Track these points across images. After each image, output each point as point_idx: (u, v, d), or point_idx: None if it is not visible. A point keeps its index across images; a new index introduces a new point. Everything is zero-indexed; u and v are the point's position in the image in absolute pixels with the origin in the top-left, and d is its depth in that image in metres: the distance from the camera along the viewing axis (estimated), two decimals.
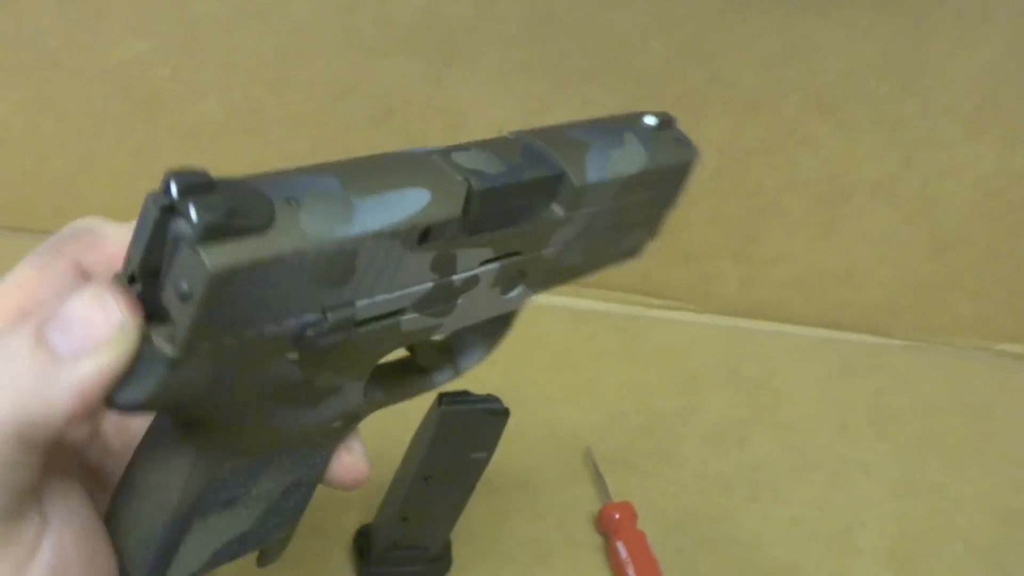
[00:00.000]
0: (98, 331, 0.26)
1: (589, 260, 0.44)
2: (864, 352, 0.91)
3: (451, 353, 0.44)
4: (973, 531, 0.74)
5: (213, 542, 0.37)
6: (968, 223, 0.86)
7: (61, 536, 0.29)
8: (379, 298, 0.33)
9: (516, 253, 0.38)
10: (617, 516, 0.67)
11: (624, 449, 0.75)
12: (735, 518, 0.71)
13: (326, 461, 0.39)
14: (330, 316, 0.31)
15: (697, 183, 0.83)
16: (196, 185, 0.26)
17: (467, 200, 0.34)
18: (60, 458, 0.30)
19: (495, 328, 0.44)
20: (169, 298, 0.27)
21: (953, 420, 0.85)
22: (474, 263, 0.37)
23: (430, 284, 0.35)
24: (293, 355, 0.32)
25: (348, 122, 0.81)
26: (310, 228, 0.28)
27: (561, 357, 0.83)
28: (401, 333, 0.36)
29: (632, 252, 0.47)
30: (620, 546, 0.65)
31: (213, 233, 0.26)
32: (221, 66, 0.79)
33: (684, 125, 0.81)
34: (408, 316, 0.35)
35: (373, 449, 0.70)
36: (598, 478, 0.71)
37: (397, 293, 0.34)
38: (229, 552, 0.38)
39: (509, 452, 0.72)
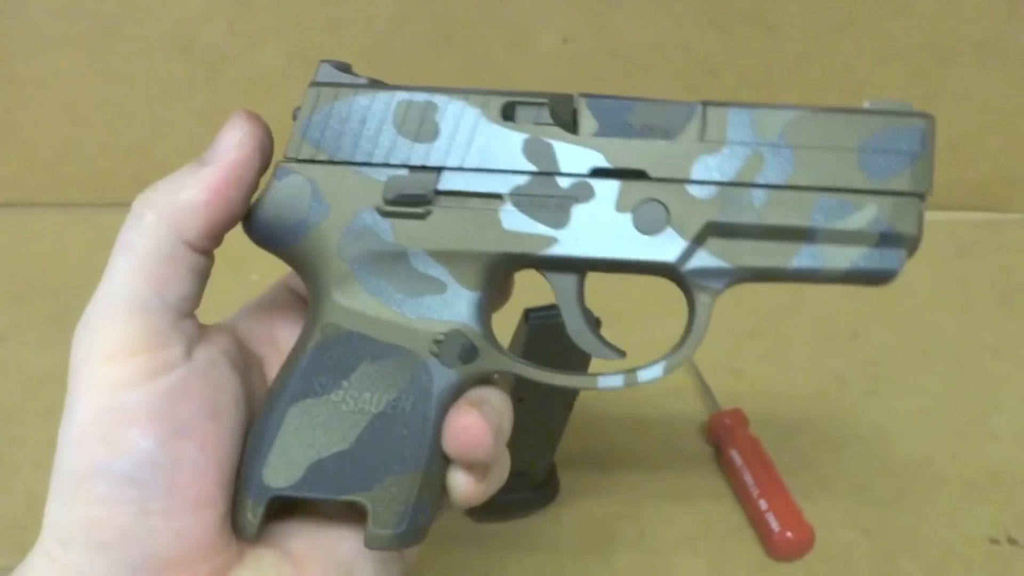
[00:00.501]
0: (223, 144, 0.37)
1: (792, 239, 0.37)
2: (981, 230, 0.85)
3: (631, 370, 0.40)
4: None
5: (309, 450, 0.36)
6: None
7: (195, 375, 0.35)
8: (469, 170, 0.37)
9: (641, 173, 0.37)
10: (728, 422, 0.64)
11: (730, 356, 0.72)
12: (855, 415, 0.68)
13: (432, 398, 0.37)
14: (412, 170, 0.37)
15: (782, 69, 0.79)
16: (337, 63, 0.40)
17: (559, 98, 0.37)
18: (227, 338, 0.38)
19: (683, 340, 0.39)
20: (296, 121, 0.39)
21: None
22: (582, 167, 0.37)
23: (528, 175, 0.37)
24: (381, 204, 0.37)
25: (409, 52, 0.79)
26: (399, 90, 0.38)
27: None
28: (503, 231, 0.37)
29: (877, 258, 0.38)
30: (734, 453, 0.62)
31: (327, 74, 0.39)
32: (276, 11, 0.78)
33: (759, 8, 0.77)
34: (508, 209, 0.37)
35: None
36: (704, 388, 0.68)
37: (489, 170, 0.37)
38: (326, 478, 0.36)
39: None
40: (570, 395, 0.55)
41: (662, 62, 0.79)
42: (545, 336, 0.49)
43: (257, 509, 0.36)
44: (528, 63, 0.78)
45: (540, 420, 0.56)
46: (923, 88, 0.80)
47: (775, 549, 0.57)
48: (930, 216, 0.84)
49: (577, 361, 0.51)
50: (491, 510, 0.59)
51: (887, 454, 0.64)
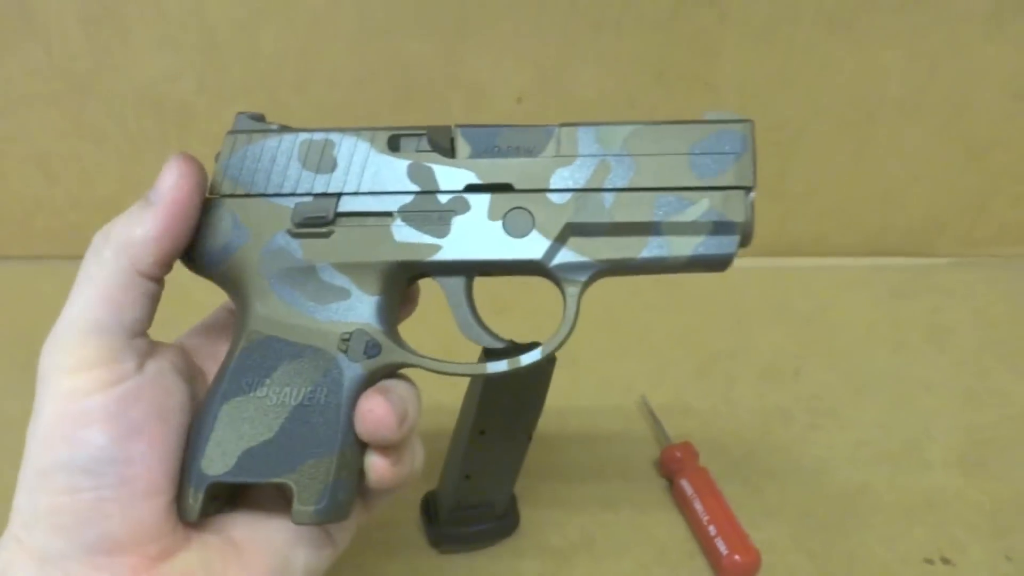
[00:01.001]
0: (164, 184, 0.42)
1: (640, 233, 0.43)
2: (911, 274, 0.90)
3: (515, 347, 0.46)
4: None
5: (240, 441, 0.41)
6: (1000, 127, 0.85)
7: (146, 384, 0.40)
8: (363, 194, 0.43)
9: (508, 186, 0.43)
10: (678, 455, 0.67)
11: (679, 393, 0.76)
12: (798, 447, 0.71)
13: (342, 389, 0.42)
14: (315, 197, 0.43)
15: None
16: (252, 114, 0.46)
17: (439, 130, 0.44)
18: (175, 352, 0.43)
19: (558, 328, 0.45)
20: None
21: (1010, 328, 0.83)
22: (458, 184, 0.43)
23: (413, 194, 0.43)
24: (291, 227, 0.43)
25: (371, 108, 0.83)
26: (301, 132, 0.44)
27: (609, 313, 0.83)
28: (395, 243, 0.43)
29: (712, 244, 0.43)
30: (685, 483, 0.65)
31: (243, 124, 0.46)
32: (244, 70, 0.81)
33: (698, 68, 0.82)
34: (398, 224, 0.43)
35: (431, 421, 0.72)
36: (655, 423, 0.72)
37: (379, 192, 0.43)
38: (255, 464, 0.41)
39: (565, 408, 0.73)
40: (528, 427, 0.58)
41: (610, 117, 0.83)
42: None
43: (197, 495, 0.41)
44: (485, 120, 0.82)
45: (500, 452, 0.58)
46: (852, 141, 0.85)
47: (724, 572, 0.60)
48: (865, 261, 0.90)
49: (536, 390, 0.54)
50: (454, 540, 0.62)
51: (828, 482, 0.68)
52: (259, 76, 0.81)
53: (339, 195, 0.43)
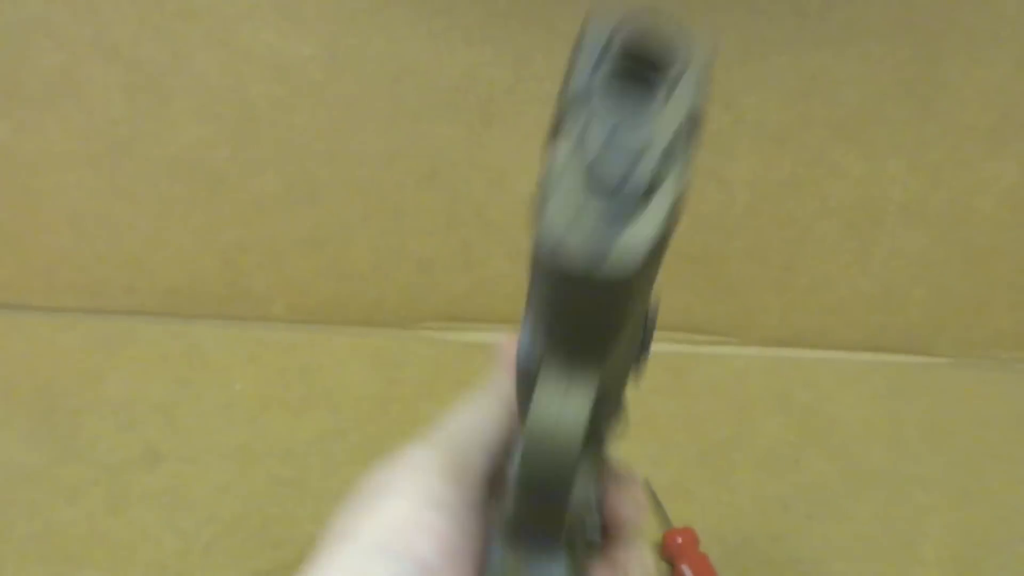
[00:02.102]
0: None
1: None
2: (910, 372, 0.92)
3: None
4: None
5: None
6: (998, 237, 0.88)
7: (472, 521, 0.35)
8: None
9: None
10: (680, 540, 0.69)
11: (681, 478, 0.77)
12: (796, 537, 0.73)
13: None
14: None
15: (732, 218, 0.88)
16: None
17: None
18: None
19: None
20: None
21: (1006, 431, 0.86)
22: None
23: None
24: None
25: (396, 185, 0.86)
26: None
27: None
28: None
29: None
30: (685, 569, 0.67)
31: None
32: (277, 144, 0.85)
33: (713, 166, 0.86)
34: None
35: None
36: (657, 506, 0.73)
37: None
38: None
39: None
40: None
41: None
42: None
43: None
44: (505, 202, 0.86)
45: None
46: (856, 242, 0.89)
47: None
48: (864, 357, 0.93)
49: None
50: None
51: (824, 574, 0.69)
52: (291, 149, 0.85)
53: None
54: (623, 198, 0.21)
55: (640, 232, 0.21)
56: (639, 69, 0.22)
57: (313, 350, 0.89)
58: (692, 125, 0.22)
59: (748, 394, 0.88)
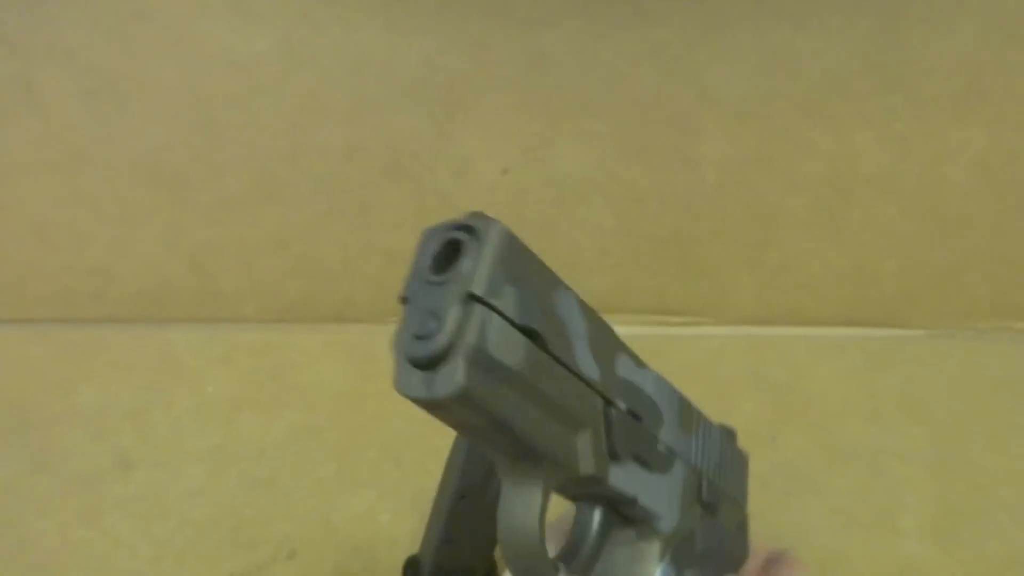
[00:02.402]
0: None
1: None
2: (886, 345, 0.92)
3: None
4: (1016, 502, 0.74)
5: None
6: (969, 206, 0.88)
7: None
8: None
9: None
10: None
11: None
12: (775, 513, 0.72)
13: None
14: None
15: (701, 198, 0.87)
16: None
17: None
18: None
19: None
20: None
21: (983, 400, 0.85)
22: None
23: None
24: None
25: (361, 179, 0.85)
26: None
27: None
28: None
29: None
30: None
31: None
32: (238, 142, 0.84)
33: (679, 145, 0.85)
34: None
35: (415, 485, 0.73)
36: None
37: None
38: None
39: None
40: None
41: (592, 191, 0.86)
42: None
43: None
44: (471, 191, 0.85)
45: (483, 515, 0.59)
46: (826, 216, 0.88)
47: None
48: (840, 331, 0.92)
49: None
50: None
51: (804, 549, 0.69)
52: (251, 148, 0.84)
53: None
54: (428, 365, 0.29)
55: (441, 382, 0.28)
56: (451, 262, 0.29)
57: (286, 349, 0.88)
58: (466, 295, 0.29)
59: (724, 373, 0.88)
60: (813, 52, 0.81)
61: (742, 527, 0.47)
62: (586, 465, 0.34)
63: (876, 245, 0.90)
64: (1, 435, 0.78)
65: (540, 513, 0.33)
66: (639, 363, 0.39)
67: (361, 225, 0.87)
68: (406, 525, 0.70)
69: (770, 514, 0.72)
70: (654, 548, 0.40)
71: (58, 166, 0.84)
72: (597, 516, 0.39)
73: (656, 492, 0.39)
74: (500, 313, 0.29)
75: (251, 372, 0.86)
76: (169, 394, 0.83)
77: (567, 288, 0.34)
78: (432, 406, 0.29)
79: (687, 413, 0.43)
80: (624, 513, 0.39)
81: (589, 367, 0.34)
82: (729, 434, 0.50)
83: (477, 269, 0.29)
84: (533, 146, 0.84)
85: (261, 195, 0.86)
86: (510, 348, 0.30)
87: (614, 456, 0.36)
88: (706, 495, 0.43)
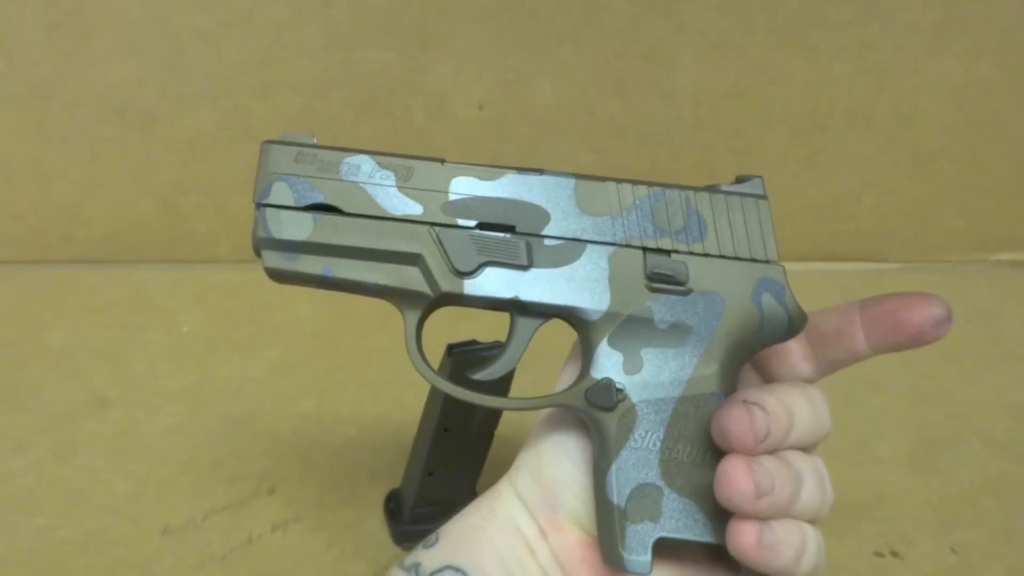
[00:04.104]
0: None
1: None
2: (863, 279, 0.93)
3: None
4: (989, 428, 0.75)
5: None
6: (945, 137, 0.88)
7: None
8: None
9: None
10: None
11: None
12: None
13: None
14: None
15: (678, 132, 0.87)
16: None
17: None
18: None
19: None
20: None
21: (958, 331, 0.84)
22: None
23: None
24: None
25: (334, 115, 0.84)
26: None
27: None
28: None
29: None
30: None
31: None
32: (207, 77, 0.82)
33: (655, 77, 0.84)
34: None
35: (394, 421, 0.73)
36: None
37: None
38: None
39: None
40: (491, 426, 0.59)
41: (569, 126, 0.85)
42: (467, 367, 0.54)
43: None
44: (447, 127, 0.84)
45: (463, 450, 0.59)
46: (803, 150, 0.88)
47: None
48: (817, 266, 0.93)
49: (498, 388, 0.55)
50: (417, 537, 0.63)
51: None
52: (222, 83, 0.82)
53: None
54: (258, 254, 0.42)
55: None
56: None
57: (261, 289, 0.87)
58: None
59: None
60: None
61: (768, 284, 0.42)
62: (433, 287, 0.41)
63: (853, 178, 0.90)
64: None
65: (411, 335, 0.42)
66: (491, 175, 0.42)
67: None
68: (386, 460, 0.70)
69: None
70: (587, 335, 0.42)
71: (23, 103, 0.82)
72: (519, 323, 0.43)
73: (554, 285, 0.41)
74: (277, 206, 0.41)
75: (226, 312, 0.85)
76: (143, 334, 0.82)
77: (361, 153, 0.42)
78: (275, 279, 0.42)
79: (591, 197, 0.42)
80: (536, 313, 0.42)
81: (404, 207, 0.41)
82: (717, 191, 0.45)
83: (255, 182, 0.42)
84: (509, 80, 0.83)
85: (232, 132, 0.85)
86: (296, 227, 0.41)
87: (462, 271, 0.41)
88: (653, 268, 0.42)
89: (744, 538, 0.36)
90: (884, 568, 0.63)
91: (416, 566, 0.41)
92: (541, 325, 0.43)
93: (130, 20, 0.79)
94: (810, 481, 0.39)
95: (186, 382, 0.77)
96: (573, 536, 0.42)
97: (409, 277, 0.41)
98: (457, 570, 0.41)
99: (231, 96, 0.83)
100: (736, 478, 0.36)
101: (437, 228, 0.41)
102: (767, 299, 0.42)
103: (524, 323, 0.43)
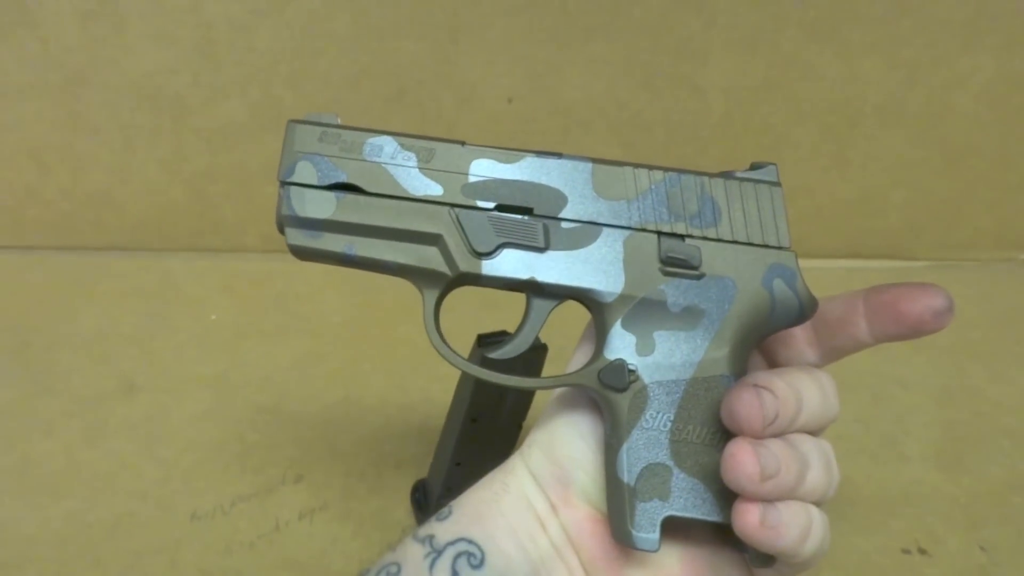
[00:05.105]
0: None
1: None
2: (889, 277, 0.90)
3: None
4: (1017, 426, 0.75)
5: None
6: (976, 134, 0.87)
7: None
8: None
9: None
10: None
11: None
12: None
13: None
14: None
15: (707, 127, 0.86)
16: None
17: None
18: None
19: None
20: None
21: (986, 329, 0.85)
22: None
23: None
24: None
25: (364, 106, 0.84)
26: None
27: None
28: None
29: None
30: None
31: None
32: (239, 66, 0.82)
33: (685, 72, 0.84)
34: None
35: (421, 412, 0.73)
36: None
37: None
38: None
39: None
40: (519, 416, 0.59)
41: (598, 119, 0.85)
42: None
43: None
44: (476, 119, 0.84)
45: (491, 440, 0.60)
46: (832, 146, 0.88)
47: None
48: (844, 263, 0.92)
49: (527, 375, 0.55)
50: None
51: None
52: (253, 72, 0.83)
53: None
54: (281, 231, 0.43)
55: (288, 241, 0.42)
56: None
57: (288, 279, 0.88)
58: None
59: None
60: None
61: (779, 270, 0.42)
62: (452, 267, 0.42)
63: (882, 175, 0.89)
64: (4, 358, 0.78)
65: (429, 314, 0.43)
66: (511, 158, 0.42)
67: None
68: (412, 449, 0.70)
69: None
70: (601, 317, 0.42)
71: (55, 89, 0.83)
72: (534, 304, 0.44)
73: (569, 267, 0.42)
74: (301, 185, 0.42)
75: (253, 301, 0.85)
76: (172, 321, 0.82)
77: (383, 134, 0.43)
78: (297, 256, 0.43)
79: (608, 181, 0.43)
80: (551, 294, 0.43)
81: (425, 187, 0.42)
82: (731, 177, 0.45)
83: (280, 161, 0.42)
84: (539, 73, 0.83)
85: (262, 122, 0.85)
86: (319, 205, 0.42)
87: (481, 251, 0.42)
88: (667, 252, 0.42)
89: (748, 518, 0.37)
90: (912, 565, 0.63)
91: (430, 538, 0.41)
92: (556, 307, 0.43)
93: (163, 8, 0.79)
94: (816, 464, 0.40)
95: (214, 370, 0.77)
96: (583, 511, 0.43)
97: (428, 256, 0.42)
98: (470, 542, 0.41)
99: (262, 85, 0.83)
100: (742, 460, 0.36)
101: (457, 209, 0.42)
102: (778, 284, 0.42)
103: (539, 304, 0.43)
